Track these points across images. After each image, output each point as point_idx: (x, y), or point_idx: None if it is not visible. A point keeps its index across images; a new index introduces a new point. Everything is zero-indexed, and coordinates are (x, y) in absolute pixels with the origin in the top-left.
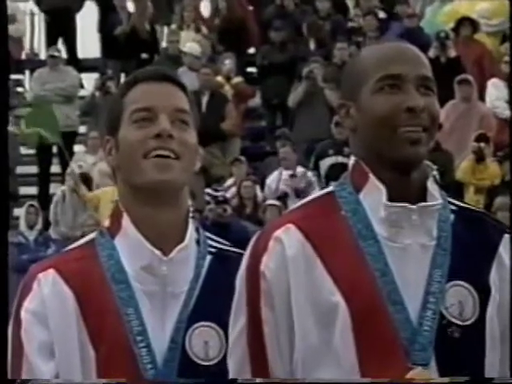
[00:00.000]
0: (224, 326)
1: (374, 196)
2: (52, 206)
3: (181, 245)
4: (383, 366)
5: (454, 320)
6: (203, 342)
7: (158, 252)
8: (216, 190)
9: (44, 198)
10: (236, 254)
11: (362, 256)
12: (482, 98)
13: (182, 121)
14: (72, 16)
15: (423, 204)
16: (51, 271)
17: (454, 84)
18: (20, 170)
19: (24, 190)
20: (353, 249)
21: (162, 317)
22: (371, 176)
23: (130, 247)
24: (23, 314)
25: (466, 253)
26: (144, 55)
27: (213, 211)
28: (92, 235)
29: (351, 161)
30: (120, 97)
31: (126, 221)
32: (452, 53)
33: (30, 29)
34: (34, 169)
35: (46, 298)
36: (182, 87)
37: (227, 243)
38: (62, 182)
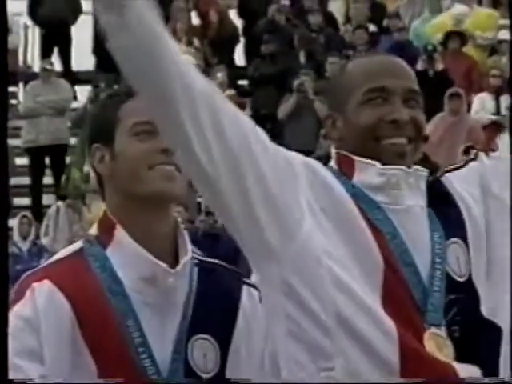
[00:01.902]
0: (218, 340)
1: (367, 171)
2: (45, 220)
3: (186, 257)
4: (404, 321)
5: (457, 278)
6: (203, 353)
7: (164, 265)
8: None
9: (37, 209)
10: (218, 265)
11: (371, 223)
12: (469, 110)
13: None
14: (67, 29)
15: (417, 167)
16: (47, 282)
17: (441, 96)
18: (14, 181)
19: (17, 201)
20: (362, 218)
21: (162, 327)
22: (356, 158)
23: (127, 258)
24: (12, 318)
25: (444, 215)
26: None
27: (204, 222)
28: (78, 244)
29: (333, 154)
30: (114, 108)
31: (119, 232)
32: (440, 66)
33: (24, 41)
34: (27, 180)
35: (41, 307)
36: None
37: (201, 253)
38: (55, 193)
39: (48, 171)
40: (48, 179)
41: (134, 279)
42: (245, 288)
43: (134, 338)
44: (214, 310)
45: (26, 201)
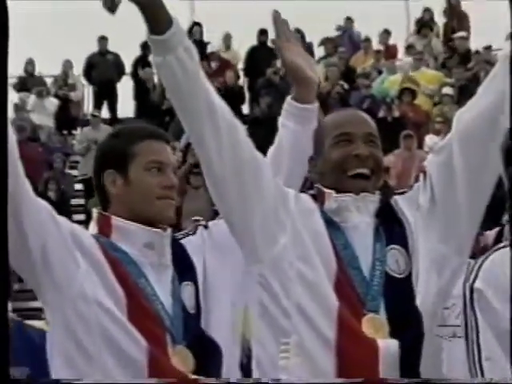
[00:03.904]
0: (193, 283)
1: (330, 199)
2: None
3: (169, 228)
4: (351, 309)
5: (395, 275)
6: (188, 295)
7: (159, 230)
8: None
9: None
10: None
11: (331, 237)
12: (419, 146)
13: (174, 173)
14: (113, 86)
15: (365, 194)
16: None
17: (398, 137)
18: (73, 202)
19: (76, 217)
20: (327, 235)
21: (159, 281)
22: (326, 190)
23: (129, 234)
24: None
25: (390, 228)
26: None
27: None
28: None
29: (314, 188)
30: (130, 144)
31: (115, 220)
32: (396, 113)
33: (81, 95)
34: (82, 201)
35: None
36: (171, 146)
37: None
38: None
39: None
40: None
41: (138, 247)
42: (185, 242)
43: (147, 292)
44: (185, 261)
45: (81, 216)
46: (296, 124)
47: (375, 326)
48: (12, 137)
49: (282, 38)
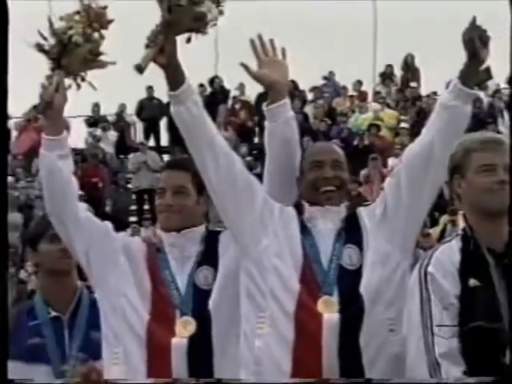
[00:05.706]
0: (213, 268)
1: (305, 210)
2: None
3: (188, 229)
4: (310, 293)
5: (348, 267)
6: (204, 276)
7: (174, 233)
8: None
9: (140, 223)
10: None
11: (302, 238)
12: (384, 166)
13: (182, 192)
14: (157, 122)
15: (329, 206)
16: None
17: (367, 159)
18: (131, 207)
19: (131, 219)
20: (299, 237)
21: (181, 269)
22: (303, 203)
23: (164, 239)
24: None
25: (351, 231)
26: None
27: None
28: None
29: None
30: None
31: (159, 232)
32: (366, 142)
33: (134, 130)
34: (135, 207)
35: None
36: (187, 169)
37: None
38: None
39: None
40: (146, 207)
41: (166, 247)
42: (221, 235)
43: (168, 280)
44: (209, 251)
45: (134, 218)
46: (268, 122)
47: (328, 304)
48: (68, 167)
49: (259, 54)
